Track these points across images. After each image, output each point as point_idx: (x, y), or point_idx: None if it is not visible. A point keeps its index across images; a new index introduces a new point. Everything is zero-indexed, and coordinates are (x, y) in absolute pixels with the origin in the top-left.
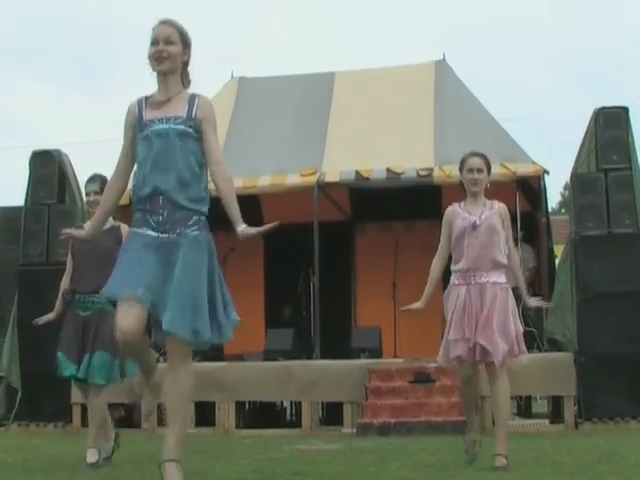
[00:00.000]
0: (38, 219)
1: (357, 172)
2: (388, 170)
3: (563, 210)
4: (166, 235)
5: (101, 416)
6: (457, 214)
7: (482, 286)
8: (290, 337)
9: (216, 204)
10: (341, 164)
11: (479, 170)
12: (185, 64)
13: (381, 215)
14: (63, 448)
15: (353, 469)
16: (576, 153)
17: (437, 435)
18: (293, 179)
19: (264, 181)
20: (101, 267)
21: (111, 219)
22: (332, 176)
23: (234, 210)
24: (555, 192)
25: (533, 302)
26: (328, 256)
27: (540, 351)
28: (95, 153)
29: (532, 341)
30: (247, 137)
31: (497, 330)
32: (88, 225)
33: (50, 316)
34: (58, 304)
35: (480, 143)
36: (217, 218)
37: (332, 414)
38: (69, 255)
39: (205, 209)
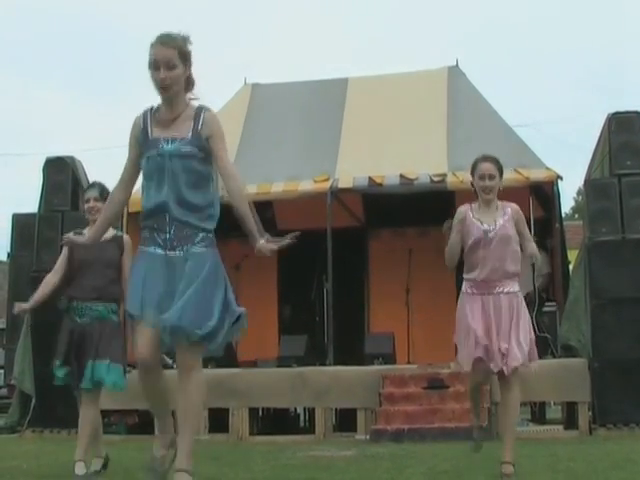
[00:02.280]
0: (52, 226)
1: (370, 178)
2: (401, 176)
3: (576, 215)
4: (173, 252)
5: (95, 427)
6: (470, 221)
7: (496, 296)
8: (303, 343)
9: (231, 210)
10: (354, 170)
11: (491, 176)
12: (188, 79)
13: (394, 221)
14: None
15: (367, 476)
16: (589, 158)
17: (451, 441)
18: (306, 185)
19: (277, 187)
20: (101, 276)
21: (111, 229)
22: (345, 182)
23: (250, 223)
24: (568, 197)
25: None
26: (341, 262)
27: (554, 357)
28: (107, 160)
29: (546, 347)
30: (260, 143)
31: (513, 340)
32: (88, 231)
33: (25, 305)
34: (36, 296)
35: (493, 148)
36: (231, 225)
37: (345, 420)
38: (63, 256)
39: (211, 226)
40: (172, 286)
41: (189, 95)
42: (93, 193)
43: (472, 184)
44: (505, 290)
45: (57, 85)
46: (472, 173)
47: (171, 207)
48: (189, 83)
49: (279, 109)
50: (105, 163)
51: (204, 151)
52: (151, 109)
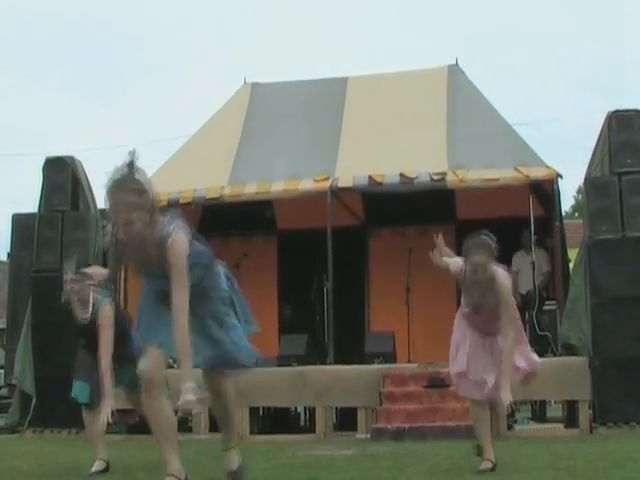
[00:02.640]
0: (52, 226)
1: (370, 177)
2: (401, 175)
3: (577, 214)
4: None
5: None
6: (462, 283)
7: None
8: (304, 343)
9: (231, 209)
10: (354, 169)
11: (483, 270)
12: (151, 209)
13: (394, 220)
14: (77, 454)
15: (367, 475)
16: (589, 157)
17: (451, 440)
18: (306, 184)
19: (277, 187)
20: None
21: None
22: (345, 181)
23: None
24: (569, 196)
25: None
26: (341, 261)
27: (554, 355)
28: (107, 160)
29: (546, 345)
30: (260, 143)
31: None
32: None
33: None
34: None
35: (493, 147)
36: (231, 224)
37: (346, 419)
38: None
39: None
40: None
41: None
42: (70, 270)
43: (475, 184)
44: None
45: (57, 85)
46: (465, 255)
47: None
48: (153, 212)
49: (279, 108)
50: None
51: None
52: None
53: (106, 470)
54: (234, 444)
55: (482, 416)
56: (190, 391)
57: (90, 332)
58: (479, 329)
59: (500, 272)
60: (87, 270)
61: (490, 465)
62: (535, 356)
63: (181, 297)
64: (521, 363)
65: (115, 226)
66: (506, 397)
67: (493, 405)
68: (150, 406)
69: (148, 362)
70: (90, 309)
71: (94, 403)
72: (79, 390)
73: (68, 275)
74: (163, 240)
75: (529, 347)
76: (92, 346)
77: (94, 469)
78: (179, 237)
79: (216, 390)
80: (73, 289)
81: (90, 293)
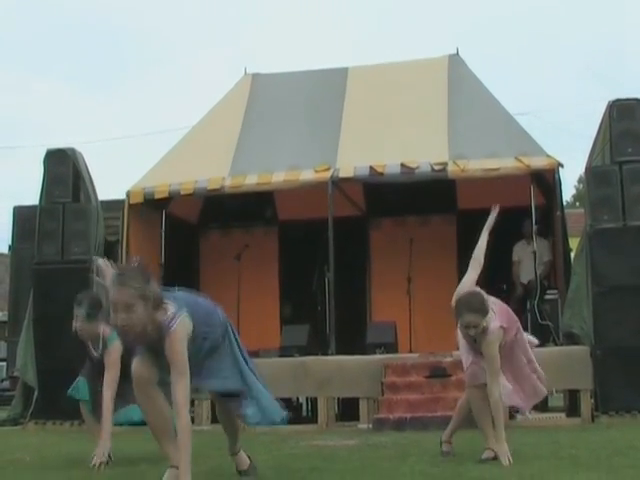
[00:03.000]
0: (53, 218)
1: (371, 167)
2: (402, 165)
3: (578, 203)
4: None
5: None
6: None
7: None
8: (305, 333)
9: (231, 201)
10: (355, 159)
11: (475, 327)
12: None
13: (395, 210)
14: (80, 446)
15: (370, 465)
16: (590, 146)
17: None
18: (307, 175)
19: (278, 177)
20: None
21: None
22: (346, 172)
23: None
24: (569, 185)
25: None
26: (343, 252)
27: (556, 345)
28: (108, 151)
29: (548, 335)
30: (261, 134)
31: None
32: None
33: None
34: None
35: (494, 137)
36: (231, 215)
37: (348, 410)
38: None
39: None
40: None
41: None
42: (80, 312)
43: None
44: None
45: (57, 77)
46: (456, 315)
47: None
48: (156, 301)
49: (279, 99)
50: (105, 155)
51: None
52: None
53: (107, 462)
54: (239, 446)
55: (483, 404)
56: None
57: (102, 366)
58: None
59: (491, 329)
60: (101, 264)
61: (492, 454)
62: (541, 385)
63: (181, 392)
64: (529, 394)
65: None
66: (504, 459)
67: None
68: (143, 402)
69: (139, 360)
70: (101, 346)
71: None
72: (81, 385)
73: (78, 320)
74: (163, 329)
75: (538, 370)
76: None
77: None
78: (178, 330)
79: (226, 410)
80: (83, 332)
81: (100, 330)
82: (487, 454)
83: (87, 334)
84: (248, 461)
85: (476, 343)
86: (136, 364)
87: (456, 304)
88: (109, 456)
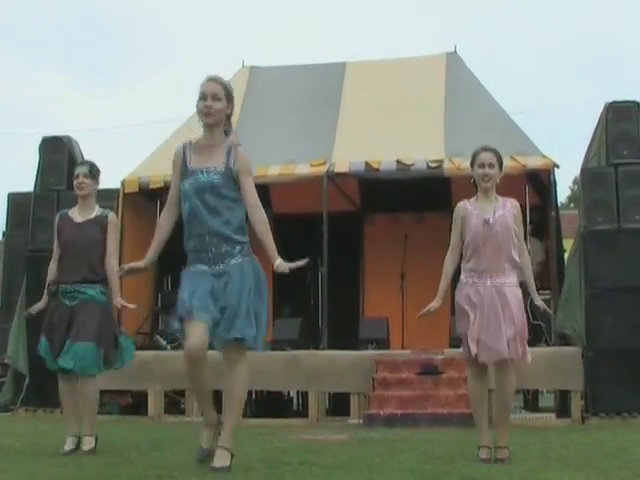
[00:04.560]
0: (47, 205)
1: (367, 163)
2: (398, 161)
3: (572, 205)
4: (217, 267)
5: (93, 405)
6: (469, 212)
7: (498, 288)
8: (298, 327)
9: None
10: (351, 155)
11: (490, 165)
12: (228, 116)
13: (390, 206)
14: None
15: (359, 460)
16: (586, 147)
17: (444, 427)
18: (303, 169)
19: (274, 171)
20: (87, 258)
21: (97, 207)
22: (342, 167)
23: (270, 247)
24: (564, 187)
25: (540, 304)
26: (337, 246)
27: (548, 345)
28: (104, 140)
29: (540, 335)
30: (257, 127)
31: (515, 331)
32: (77, 209)
33: (41, 304)
34: (46, 291)
35: (490, 135)
36: None
37: (339, 405)
38: (55, 242)
39: (244, 238)
40: (217, 291)
41: (227, 130)
42: (83, 170)
43: (472, 180)
44: (507, 282)
45: (55, 66)
46: (472, 164)
47: (210, 230)
48: (228, 120)
49: (276, 92)
50: (101, 143)
51: (233, 181)
52: (190, 142)
53: (77, 447)
54: (228, 444)
55: (482, 393)
56: (282, 264)
57: (83, 234)
58: (485, 273)
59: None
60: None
61: (487, 454)
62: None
63: (254, 194)
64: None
65: (202, 99)
66: (539, 302)
67: (501, 370)
68: (193, 371)
69: (196, 339)
70: (93, 212)
71: (71, 374)
72: (44, 347)
73: (80, 175)
74: (231, 146)
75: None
76: (77, 253)
77: (67, 448)
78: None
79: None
80: (85, 183)
81: (95, 198)
82: (483, 453)
83: (87, 189)
84: (226, 462)
85: (487, 229)
86: (194, 337)
87: (473, 153)
88: (78, 440)
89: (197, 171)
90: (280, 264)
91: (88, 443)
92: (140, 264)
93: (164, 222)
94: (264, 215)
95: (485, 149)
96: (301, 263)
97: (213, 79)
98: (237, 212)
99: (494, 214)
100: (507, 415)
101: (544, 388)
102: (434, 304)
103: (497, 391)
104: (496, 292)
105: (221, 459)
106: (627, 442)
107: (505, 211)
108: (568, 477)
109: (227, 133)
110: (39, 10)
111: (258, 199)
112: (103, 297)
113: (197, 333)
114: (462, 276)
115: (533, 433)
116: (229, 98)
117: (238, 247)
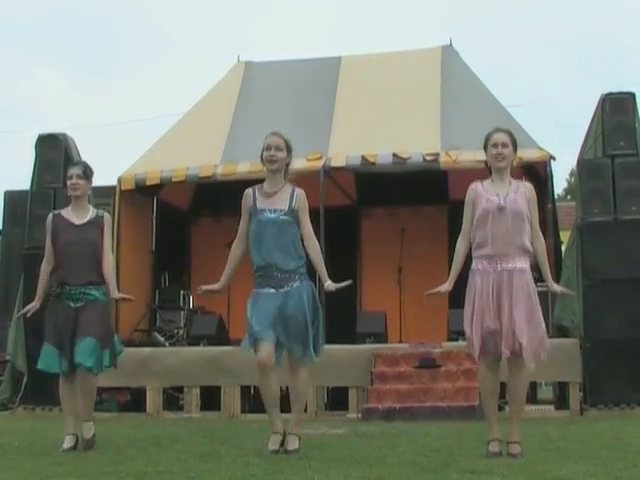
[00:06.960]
0: (44, 203)
1: (363, 157)
2: (394, 155)
3: (569, 197)
4: (282, 289)
5: (92, 391)
6: (480, 194)
7: (509, 273)
8: None
9: (224, 187)
10: (347, 149)
11: (504, 144)
12: (287, 164)
13: (387, 200)
14: None
15: (358, 454)
16: (582, 139)
17: (442, 420)
18: (299, 163)
19: None
20: (90, 260)
21: (91, 207)
22: (338, 161)
23: (322, 271)
24: (561, 179)
25: (558, 288)
26: (334, 241)
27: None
28: (99, 137)
29: None
30: (253, 121)
31: (526, 321)
32: (70, 209)
33: (35, 305)
34: (40, 291)
35: (486, 128)
36: (224, 202)
37: (337, 399)
38: (48, 242)
39: (302, 268)
40: (283, 310)
41: (286, 176)
42: (76, 170)
43: (486, 163)
44: (518, 267)
45: (52, 63)
46: (485, 146)
47: (275, 262)
48: (287, 168)
49: (272, 87)
50: (97, 140)
51: (295, 219)
52: (257, 187)
53: (76, 446)
54: (297, 431)
55: (494, 385)
56: (331, 284)
57: (84, 237)
58: (497, 258)
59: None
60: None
61: (498, 448)
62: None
63: (310, 227)
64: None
65: (267, 150)
66: (556, 287)
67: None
68: (264, 381)
69: (265, 352)
70: (89, 213)
71: (70, 372)
72: (49, 354)
73: (74, 176)
74: (293, 189)
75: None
76: (80, 255)
77: (66, 446)
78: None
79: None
80: (78, 185)
81: (88, 198)
82: (494, 447)
83: (81, 190)
84: (296, 445)
85: (501, 210)
86: (265, 355)
87: (485, 136)
88: (77, 439)
89: (265, 210)
90: (329, 285)
91: (88, 430)
92: (215, 287)
93: (236, 253)
94: (317, 245)
95: (498, 129)
96: (346, 283)
97: (276, 133)
98: (297, 243)
99: (505, 197)
100: (521, 409)
101: (542, 380)
102: (445, 286)
103: (510, 386)
104: (507, 278)
105: (292, 443)
106: (625, 433)
107: (517, 195)
108: (567, 469)
109: (286, 178)
110: (33, 7)
111: (313, 232)
112: (105, 298)
113: (263, 349)
114: (474, 264)
115: (532, 425)
116: (289, 149)
117: (298, 274)
